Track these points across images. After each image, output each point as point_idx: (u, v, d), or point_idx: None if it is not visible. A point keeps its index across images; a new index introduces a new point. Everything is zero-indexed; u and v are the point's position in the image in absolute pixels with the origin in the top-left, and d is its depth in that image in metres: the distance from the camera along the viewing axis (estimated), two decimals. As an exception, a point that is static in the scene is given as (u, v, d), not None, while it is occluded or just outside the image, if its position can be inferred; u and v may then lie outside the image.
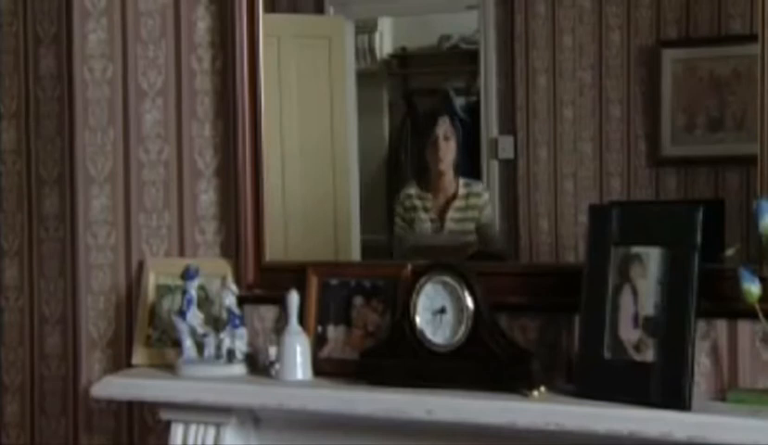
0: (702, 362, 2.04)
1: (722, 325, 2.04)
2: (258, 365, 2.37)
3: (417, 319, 2.14)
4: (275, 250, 2.45)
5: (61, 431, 2.81)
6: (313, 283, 2.34)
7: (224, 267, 2.47)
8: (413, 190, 2.55)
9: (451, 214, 2.50)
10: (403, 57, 2.63)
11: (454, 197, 2.50)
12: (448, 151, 2.49)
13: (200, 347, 2.38)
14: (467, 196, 2.49)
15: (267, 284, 2.43)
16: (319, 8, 2.62)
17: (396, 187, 2.60)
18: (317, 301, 2.33)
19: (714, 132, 2.20)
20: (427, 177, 2.54)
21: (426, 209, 2.52)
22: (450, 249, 2.49)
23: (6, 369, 2.86)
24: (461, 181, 2.51)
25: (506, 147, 2.41)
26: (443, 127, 2.49)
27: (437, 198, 2.52)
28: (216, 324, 2.40)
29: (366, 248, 2.53)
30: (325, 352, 2.32)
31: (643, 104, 2.26)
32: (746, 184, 2.11)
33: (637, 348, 1.98)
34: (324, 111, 2.59)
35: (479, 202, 2.48)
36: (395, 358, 2.15)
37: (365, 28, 2.60)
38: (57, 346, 2.84)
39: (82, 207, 2.63)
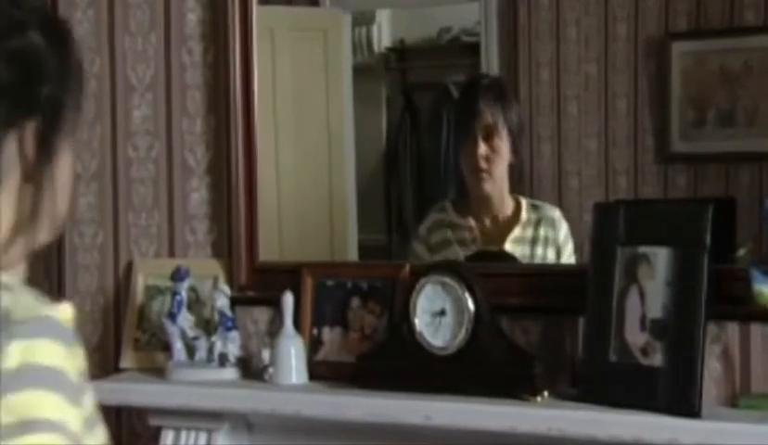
0: (713, 367, 1.99)
1: (733, 328, 1.99)
2: (251, 369, 2.33)
3: (416, 321, 2.10)
4: (268, 250, 2.40)
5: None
6: (309, 284, 2.30)
7: (216, 268, 2.44)
8: (443, 215, 2.04)
9: (508, 248, 1.97)
10: (401, 51, 2.60)
11: (515, 221, 1.93)
12: (496, 157, 1.83)
13: (191, 350, 2.35)
14: (537, 223, 1.88)
15: (261, 285, 2.38)
16: (315, 0, 2.61)
17: (394, 186, 2.56)
18: (312, 303, 2.30)
19: (725, 127, 2.17)
20: (464, 196, 2.07)
21: (462, 242, 1.95)
22: None
23: (-10, 373, 2.82)
24: (524, 201, 2.01)
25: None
26: (486, 117, 1.78)
27: (482, 223, 1.95)
28: (207, 326, 2.36)
29: (364, 248, 2.49)
30: (320, 355, 2.28)
31: (650, 98, 2.23)
32: (758, 181, 2.08)
33: (644, 351, 1.94)
34: (319, 107, 2.57)
35: (557, 237, 1.91)
36: (393, 361, 2.11)
37: (363, 20, 2.57)
38: (42, 349, 2.80)
39: (68, 205, 2.60)
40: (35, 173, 1.09)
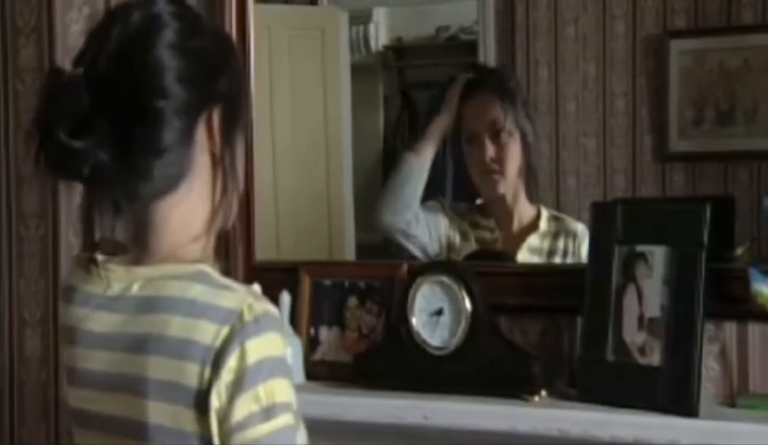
0: (710, 366, 1.98)
1: (731, 328, 1.99)
2: (248, 369, 2.33)
3: (414, 321, 2.08)
4: (265, 249, 2.39)
5: (42, 438, 2.76)
6: (306, 283, 2.29)
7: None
8: (459, 210, 1.97)
9: (523, 257, 1.88)
10: (399, 49, 2.59)
11: (532, 230, 1.84)
12: (506, 156, 1.64)
13: (188, 349, 2.34)
14: (556, 234, 1.79)
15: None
16: (312, -2, 2.61)
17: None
18: (310, 302, 2.28)
19: (724, 126, 2.16)
20: (461, 198, 2.03)
21: (482, 242, 1.92)
22: None
23: (-16, 374, 2.81)
24: (545, 212, 1.94)
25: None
26: (491, 114, 1.61)
27: (500, 228, 1.87)
28: (205, 325, 2.36)
29: (361, 248, 2.48)
30: (317, 355, 2.27)
31: (649, 97, 2.22)
32: (757, 180, 2.07)
33: (642, 350, 1.93)
34: (317, 105, 2.56)
35: (579, 252, 1.83)
36: (390, 361, 2.10)
37: (360, 18, 2.56)
38: (38, 349, 2.78)
39: (64, 204, 2.57)
40: (221, 154, 1.27)
